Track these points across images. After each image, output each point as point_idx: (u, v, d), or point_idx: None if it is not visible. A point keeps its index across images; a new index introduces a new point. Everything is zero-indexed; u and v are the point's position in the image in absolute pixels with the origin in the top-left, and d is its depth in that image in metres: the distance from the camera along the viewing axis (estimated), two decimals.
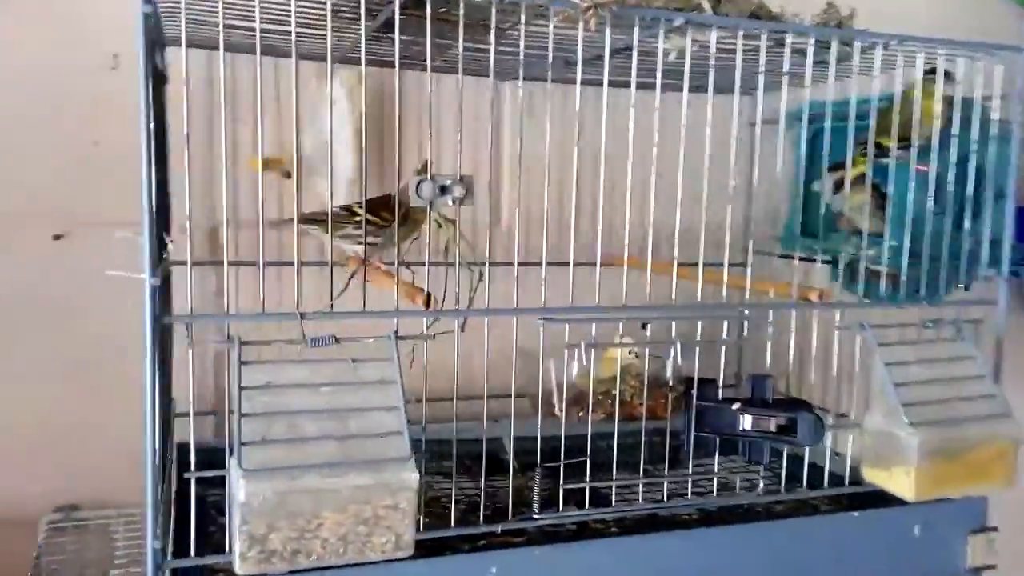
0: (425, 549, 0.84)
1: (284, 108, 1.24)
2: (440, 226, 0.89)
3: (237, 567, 0.70)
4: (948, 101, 1.03)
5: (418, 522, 0.83)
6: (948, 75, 1.04)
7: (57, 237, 1.20)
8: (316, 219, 0.91)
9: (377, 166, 1.26)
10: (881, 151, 1.10)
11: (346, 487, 0.72)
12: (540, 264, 0.82)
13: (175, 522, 0.85)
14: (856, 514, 0.99)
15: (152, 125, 0.72)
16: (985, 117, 1.04)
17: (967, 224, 1.06)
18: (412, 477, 0.73)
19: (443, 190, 0.79)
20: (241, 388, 0.73)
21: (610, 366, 0.96)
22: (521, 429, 0.87)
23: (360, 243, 0.89)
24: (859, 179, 1.22)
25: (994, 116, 1.05)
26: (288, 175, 1.07)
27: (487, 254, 0.83)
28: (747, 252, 0.99)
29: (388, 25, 0.84)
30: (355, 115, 1.25)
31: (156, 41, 0.90)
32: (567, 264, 0.84)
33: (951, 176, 1.04)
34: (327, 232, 0.83)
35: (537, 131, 0.88)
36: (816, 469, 0.99)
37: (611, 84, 0.86)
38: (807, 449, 0.95)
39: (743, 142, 0.97)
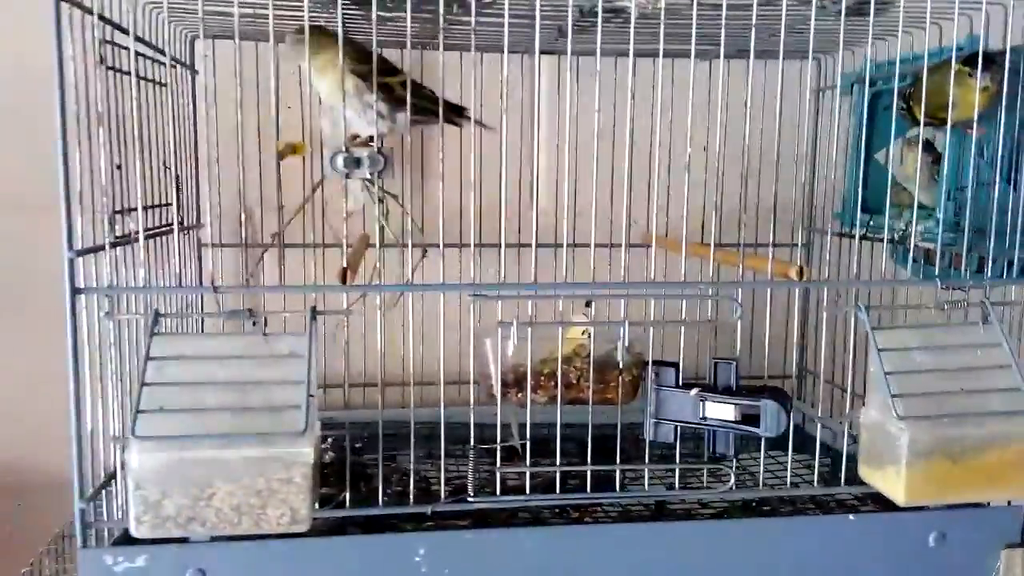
0: (359, 527, 0.84)
1: (308, 94, 1.28)
2: (381, 200, 0.88)
3: (133, 529, 0.72)
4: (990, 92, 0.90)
5: (344, 500, 0.83)
6: (992, 60, 0.91)
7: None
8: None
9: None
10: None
11: (238, 458, 0.72)
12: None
13: None
14: (852, 517, 0.89)
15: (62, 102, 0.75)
16: None
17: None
18: (306, 452, 0.73)
19: (357, 163, 0.78)
20: (148, 358, 0.75)
21: (568, 345, 0.91)
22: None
23: None
24: (914, 144, 1.10)
25: None
26: (283, 157, 1.09)
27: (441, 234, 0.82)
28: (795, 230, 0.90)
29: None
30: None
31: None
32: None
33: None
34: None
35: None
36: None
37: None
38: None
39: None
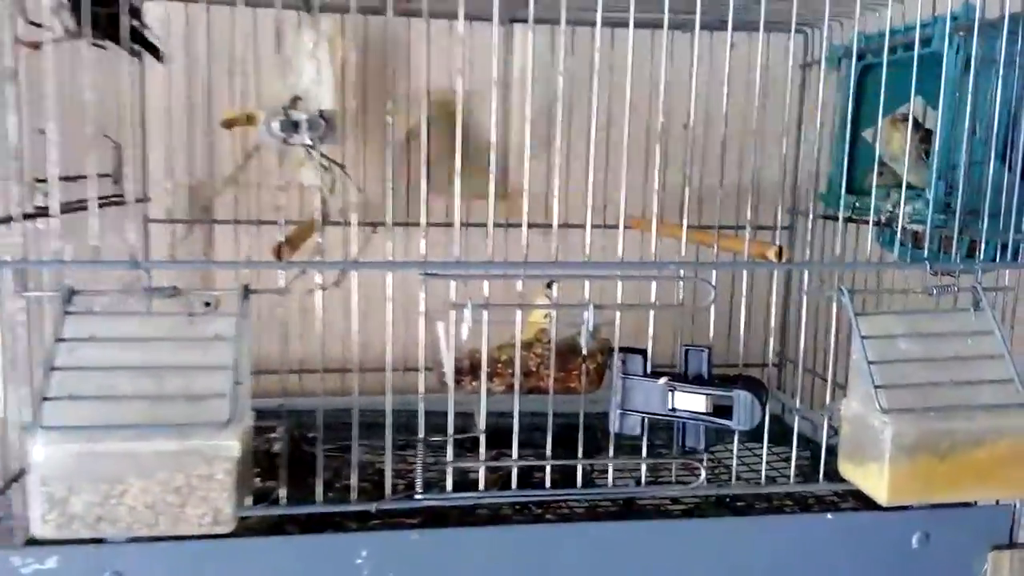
0: (299, 526, 0.78)
1: (261, 61, 1.20)
2: (326, 168, 0.81)
3: (36, 529, 0.65)
4: None
5: (277, 497, 0.77)
6: None
7: None
8: None
9: (356, 118, 1.19)
10: None
11: (152, 452, 0.65)
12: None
13: None
14: (831, 516, 0.83)
15: None
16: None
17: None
18: (229, 445, 0.66)
19: (295, 127, 0.71)
20: (59, 339, 0.68)
21: (528, 330, 0.84)
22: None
23: None
24: (902, 121, 1.04)
25: None
26: (229, 126, 1.01)
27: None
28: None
29: None
30: (335, 66, 1.19)
31: None
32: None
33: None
34: None
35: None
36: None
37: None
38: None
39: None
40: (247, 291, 0.72)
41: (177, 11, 1.12)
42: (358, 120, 1.18)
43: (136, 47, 0.93)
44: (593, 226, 0.79)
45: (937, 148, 0.89)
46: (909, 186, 0.99)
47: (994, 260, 0.89)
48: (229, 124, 1.04)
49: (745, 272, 0.82)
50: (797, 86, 1.24)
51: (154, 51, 0.98)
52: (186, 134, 1.13)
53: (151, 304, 0.74)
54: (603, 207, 1.10)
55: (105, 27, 0.80)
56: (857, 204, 1.09)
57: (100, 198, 0.94)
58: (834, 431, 0.86)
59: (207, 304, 0.77)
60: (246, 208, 1.10)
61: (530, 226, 0.77)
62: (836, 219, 1.10)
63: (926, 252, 0.86)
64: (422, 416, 0.76)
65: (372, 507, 0.76)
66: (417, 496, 0.77)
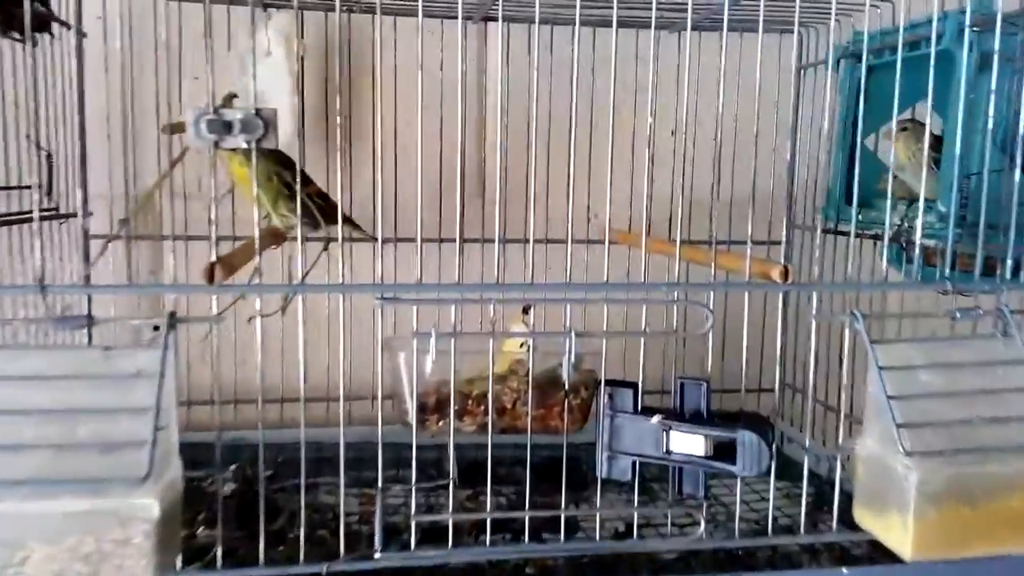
0: None
1: (217, 60, 1.11)
2: (285, 182, 0.71)
3: None
4: None
5: (215, 558, 0.66)
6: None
7: None
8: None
9: (318, 121, 1.09)
10: None
11: (57, 513, 0.55)
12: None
13: None
14: (846, 571, 0.73)
15: None
16: None
17: None
18: (148, 504, 0.56)
19: (227, 128, 0.61)
20: None
21: (502, 361, 0.74)
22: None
23: None
24: (911, 128, 0.96)
25: None
26: (170, 131, 0.92)
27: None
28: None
29: None
30: (292, 66, 1.09)
31: None
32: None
33: None
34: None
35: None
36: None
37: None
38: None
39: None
40: (173, 319, 0.62)
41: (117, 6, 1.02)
42: (329, 123, 1.09)
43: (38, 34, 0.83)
44: (575, 241, 0.70)
45: (957, 156, 0.81)
46: (917, 198, 0.90)
47: (1014, 278, 0.80)
48: (171, 130, 0.95)
49: (747, 294, 0.72)
50: (792, 90, 1.15)
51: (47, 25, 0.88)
52: (124, 141, 1.03)
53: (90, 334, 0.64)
54: (587, 220, 1.01)
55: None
56: (860, 217, 1.01)
57: (19, 212, 0.86)
58: (841, 467, 0.77)
59: (156, 328, 0.68)
60: (199, 223, 1.00)
61: (505, 242, 0.68)
62: (838, 233, 1.02)
63: (946, 271, 0.77)
64: (381, 460, 0.66)
65: (322, 569, 0.66)
66: (376, 555, 0.67)
